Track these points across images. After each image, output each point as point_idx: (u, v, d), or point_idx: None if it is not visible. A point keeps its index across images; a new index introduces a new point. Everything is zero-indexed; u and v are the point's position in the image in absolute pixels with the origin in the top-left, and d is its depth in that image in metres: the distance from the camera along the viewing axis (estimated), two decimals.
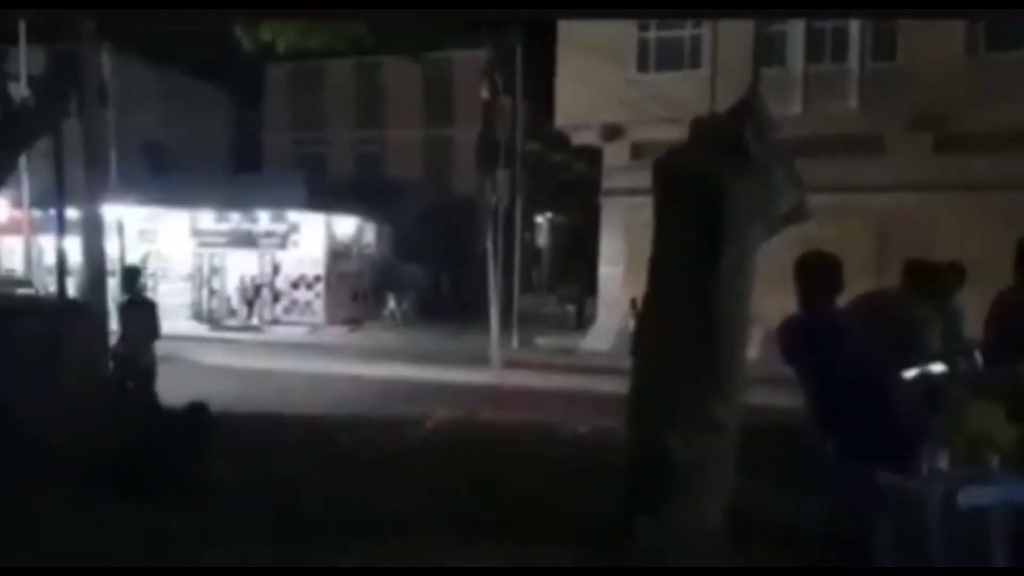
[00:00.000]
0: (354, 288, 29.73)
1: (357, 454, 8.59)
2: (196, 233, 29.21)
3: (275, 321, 28.05)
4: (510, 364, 20.57)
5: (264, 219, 28.37)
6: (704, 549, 4.42)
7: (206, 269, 29.34)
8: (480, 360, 20.69)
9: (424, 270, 32.77)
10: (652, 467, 4.28)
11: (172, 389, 9.85)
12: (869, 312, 5.66)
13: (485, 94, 26.77)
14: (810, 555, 4.70)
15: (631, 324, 21.38)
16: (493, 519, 6.05)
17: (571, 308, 28.95)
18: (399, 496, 6.78)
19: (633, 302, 21.94)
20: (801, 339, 4.53)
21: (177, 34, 28.28)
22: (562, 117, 25.80)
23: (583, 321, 27.22)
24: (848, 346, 4.44)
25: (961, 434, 4.26)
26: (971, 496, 3.98)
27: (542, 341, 24.99)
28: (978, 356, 5.89)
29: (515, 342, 24.15)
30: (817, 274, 4.61)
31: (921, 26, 21.54)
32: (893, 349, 5.52)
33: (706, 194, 4.12)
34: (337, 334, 26.57)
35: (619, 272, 23.46)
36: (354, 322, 28.36)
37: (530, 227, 38.29)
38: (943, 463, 4.09)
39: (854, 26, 22.78)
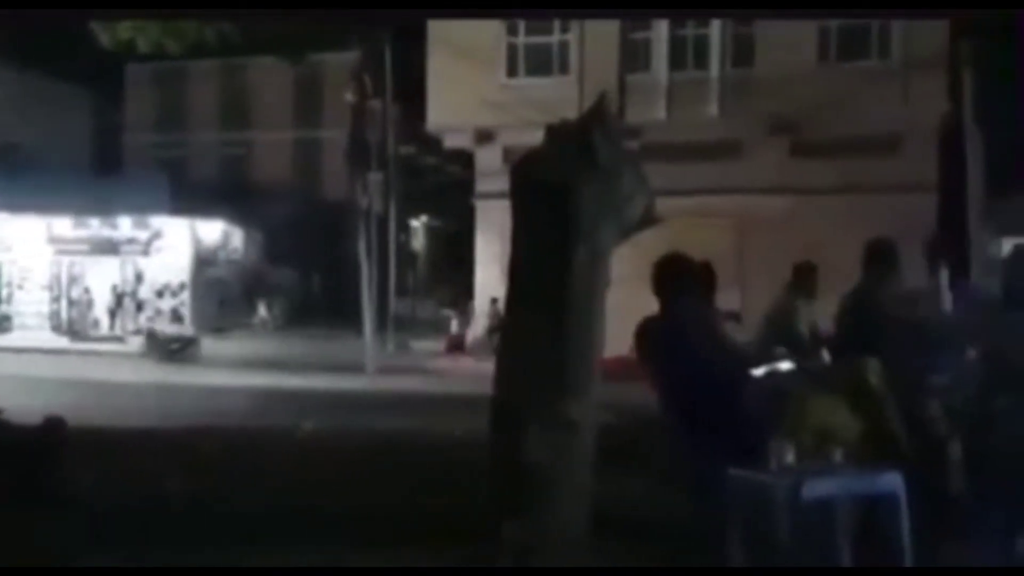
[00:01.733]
0: (222, 295, 28.97)
1: (223, 466, 8.39)
2: (53, 240, 27.94)
3: (139, 331, 27.07)
4: (385, 370, 20.47)
5: (126, 225, 27.35)
6: (569, 549, 4.50)
7: (65, 278, 28.08)
8: (354, 367, 20.52)
9: (295, 275, 32.27)
10: (511, 469, 4.34)
11: (29, 404, 9.40)
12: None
13: (350, 98, 26.52)
14: (670, 551, 4.84)
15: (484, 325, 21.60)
16: (366, 527, 6.02)
17: (448, 312, 28.98)
18: (268, 508, 6.66)
19: (494, 301, 22.20)
20: (654, 339, 4.68)
21: (34, 32, 27.05)
22: (434, 120, 25.82)
23: (465, 324, 27.25)
24: (698, 346, 4.60)
25: (806, 428, 4.46)
26: (815, 488, 4.17)
27: (417, 345, 24.95)
28: (825, 353, 6.19)
29: (390, 347, 24.04)
30: (672, 276, 4.76)
31: (777, 34, 22.45)
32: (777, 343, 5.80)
33: (556, 197, 4.22)
34: (205, 343, 25.84)
35: (495, 275, 23.61)
36: (222, 330, 27.63)
37: (405, 230, 38.12)
38: (790, 457, 4.27)
39: (715, 33, 23.56)
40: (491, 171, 23.98)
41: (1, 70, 32.22)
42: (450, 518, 5.67)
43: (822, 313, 7.23)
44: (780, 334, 7.09)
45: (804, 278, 7.63)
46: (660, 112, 23.44)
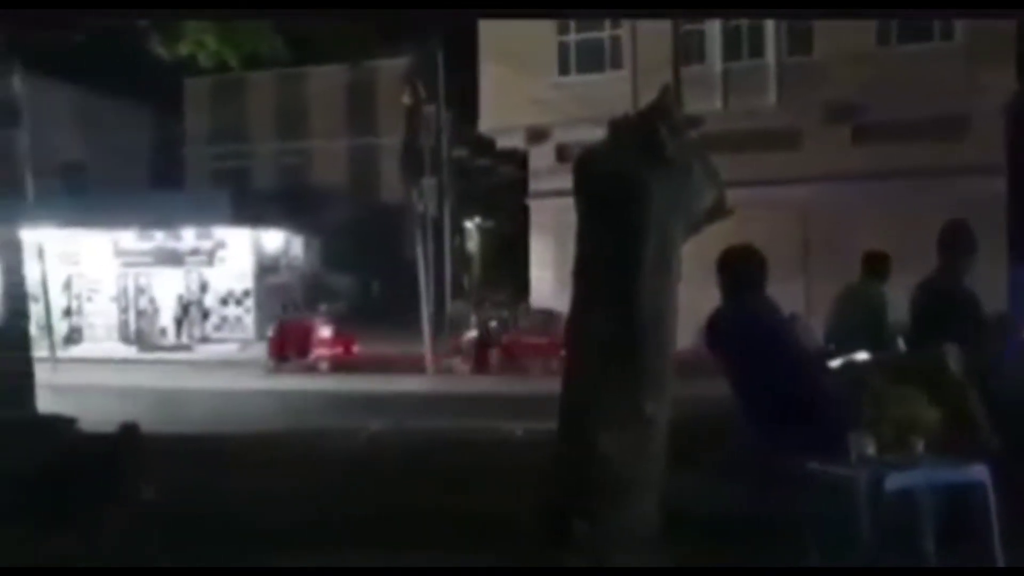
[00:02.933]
0: (284, 301, 29.36)
1: (293, 469, 8.47)
2: (120, 253, 28.58)
3: (205, 339, 27.56)
4: (443, 370, 20.54)
5: (189, 236, 27.88)
6: (642, 546, 4.44)
7: (132, 289, 28.73)
8: (414, 368, 20.62)
9: (354, 280, 32.55)
10: (583, 466, 4.29)
11: (101, 413, 9.59)
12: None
13: (407, 101, 26.66)
14: (744, 547, 4.75)
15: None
16: (430, 529, 6.02)
17: (504, 313, 28.95)
18: (338, 508, 6.70)
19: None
20: (726, 332, 4.60)
21: (93, 51, 27.66)
22: (486, 122, 25.87)
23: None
24: (772, 338, 4.51)
25: (887, 419, 4.34)
26: (898, 480, 4.06)
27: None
28: (901, 342, 6.04)
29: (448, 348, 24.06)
30: (739, 268, 4.68)
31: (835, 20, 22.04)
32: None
33: (626, 193, 4.15)
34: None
35: (550, 275, 23.55)
36: None
37: (459, 233, 38.24)
38: (871, 449, 4.17)
39: (770, 22, 23.24)
40: (544, 170, 23.96)
41: (64, 91, 32.99)
42: (516, 518, 5.64)
43: (893, 301, 7.08)
44: (853, 321, 6.95)
45: (875, 265, 7.47)
46: (716, 103, 23.19)
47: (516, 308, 28.09)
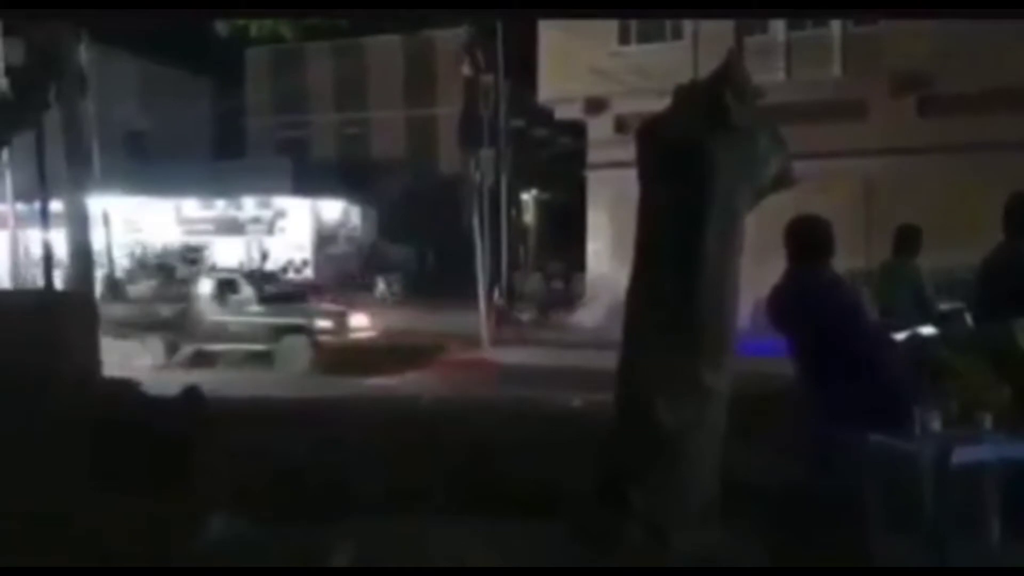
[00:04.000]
0: (342, 270, 29.70)
1: (354, 434, 8.58)
2: (182, 221, 29.09)
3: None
4: (499, 342, 20.60)
5: (249, 205, 28.27)
6: (699, 517, 4.43)
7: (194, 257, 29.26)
8: (471, 339, 20.71)
9: (411, 251, 32.73)
10: (642, 437, 4.28)
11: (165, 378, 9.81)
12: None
13: (466, 72, 26.62)
14: (805, 521, 4.71)
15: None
16: (488, 494, 6.06)
17: (559, 285, 28.95)
18: (394, 474, 6.77)
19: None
20: (791, 304, 4.54)
21: (154, 22, 28.03)
22: (545, 92, 25.71)
23: (571, 297, 27.21)
24: (838, 310, 4.45)
25: (953, 394, 4.28)
26: (964, 455, 3.99)
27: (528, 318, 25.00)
28: (968, 316, 5.91)
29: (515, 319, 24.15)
30: (806, 238, 4.61)
31: None
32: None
33: (690, 160, 4.11)
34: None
35: (606, 247, 23.43)
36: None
37: (516, 204, 38.17)
38: (936, 424, 4.10)
39: None
40: (603, 141, 23.76)
41: (128, 63, 33.50)
42: (572, 488, 5.65)
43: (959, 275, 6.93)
44: (893, 297, 6.81)
45: (908, 239, 7.33)
46: (779, 73, 22.76)
47: (572, 280, 28.09)
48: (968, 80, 21.15)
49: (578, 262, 26.90)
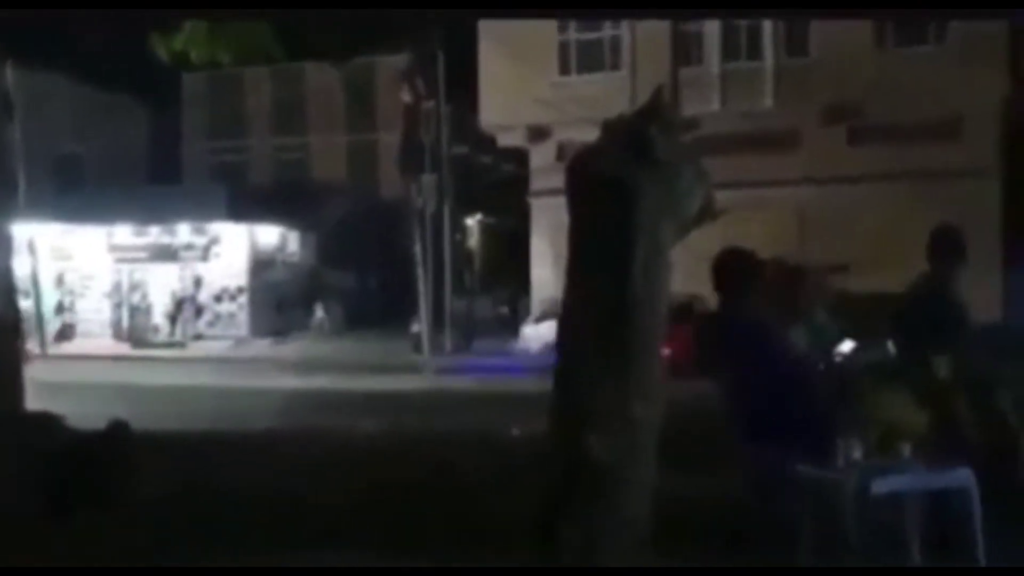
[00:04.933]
0: (280, 299, 29.31)
1: (286, 468, 8.47)
2: (114, 248, 28.53)
3: (199, 336, 27.51)
4: (443, 370, 20.52)
5: (184, 231, 27.82)
6: (630, 550, 4.44)
7: (125, 285, 28.67)
8: (412, 367, 20.61)
9: (352, 277, 32.50)
10: (572, 468, 4.29)
11: (93, 410, 9.59)
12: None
13: (407, 98, 26.64)
14: (734, 549, 4.76)
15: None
16: (426, 527, 6.02)
17: (504, 310, 28.98)
18: (330, 508, 6.70)
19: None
20: (717, 335, 4.61)
21: (89, 44, 27.60)
22: (487, 119, 25.89)
23: (517, 322, 27.23)
24: (764, 343, 4.52)
25: (874, 423, 4.36)
26: (884, 484, 4.07)
27: (475, 344, 24.98)
28: (891, 346, 6.03)
29: (448, 346, 24.10)
30: (733, 271, 4.68)
31: (832, 21, 22.08)
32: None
33: (617, 194, 4.17)
34: (263, 347, 26.19)
35: (551, 272, 23.54)
36: (280, 334, 27.95)
37: (460, 230, 38.18)
38: (858, 453, 4.18)
39: (768, 23, 23.27)
40: (546, 168, 23.96)
41: (59, 83, 32.91)
42: (508, 519, 5.64)
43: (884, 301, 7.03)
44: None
45: (813, 287, 6.99)
46: (714, 104, 23.21)
47: (517, 305, 28.11)
48: (896, 110, 21.78)
49: (523, 287, 26.98)
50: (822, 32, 22.62)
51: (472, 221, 42.33)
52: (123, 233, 28.23)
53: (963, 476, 4.17)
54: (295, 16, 11.45)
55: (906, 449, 4.23)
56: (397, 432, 11.21)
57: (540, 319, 22.32)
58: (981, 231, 15.63)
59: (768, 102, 23.21)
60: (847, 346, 5.51)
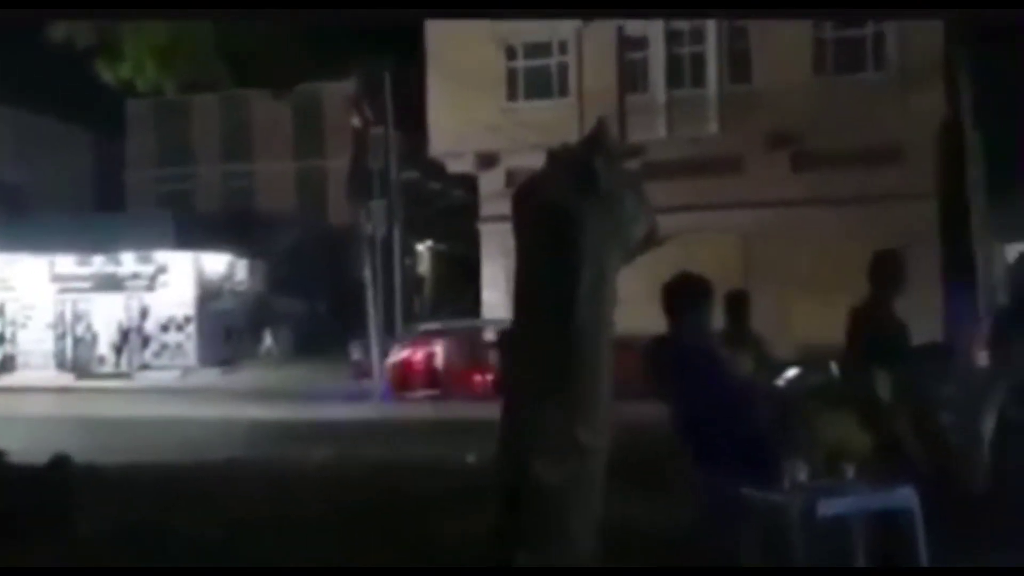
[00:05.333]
0: (228, 327, 28.95)
1: (235, 499, 8.36)
2: (57, 278, 28.02)
3: (145, 366, 27.06)
4: (394, 396, 20.40)
5: (129, 261, 27.42)
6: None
7: (69, 316, 28.15)
8: (364, 393, 20.46)
9: (301, 305, 32.23)
10: (522, 497, 4.30)
11: (35, 444, 9.39)
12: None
13: (356, 124, 26.63)
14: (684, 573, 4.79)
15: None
16: (379, 555, 5.98)
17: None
18: (281, 539, 6.62)
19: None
20: (665, 359, 4.66)
21: (32, 70, 27.22)
22: (436, 146, 25.92)
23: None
24: (709, 367, 4.58)
25: (819, 445, 4.43)
26: (829, 506, 4.13)
27: None
28: (834, 368, 6.14)
29: None
30: (683, 296, 4.74)
31: (773, 48, 22.56)
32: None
33: (561, 224, 4.22)
34: (211, 376, 25.84)
35: (502, 297, 23.57)
36: (229, 363, 27.60)
37: (410, 255, 38.11)
38: (803, 475, 4.24)
39: (711, 50, 23.66)
40: (495, 194, 24.01)
41: (2, 111, 32.38)
42: (460, 546, 5.63)
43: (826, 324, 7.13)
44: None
45: (737, 307, 6.75)
46: (660, 130, 23.50)
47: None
48: (837, 136, 22.23)
49: (474, 313, 26.93)
50: (764, 60, 23.08)
51: (422, 247, 42.32)
52: (66, 263, 27.75)
53: (906, 495, 4.25)
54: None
55: (850, 470, 4.31)
56: (348, 460, 11.12)
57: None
58: (920, 253, 15.98)
59: (713, 128, 23.57)
60: (791, 372, 5.59)
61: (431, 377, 20.42)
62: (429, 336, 21.62)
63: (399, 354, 21.05)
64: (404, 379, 20.47)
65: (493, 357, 19.26)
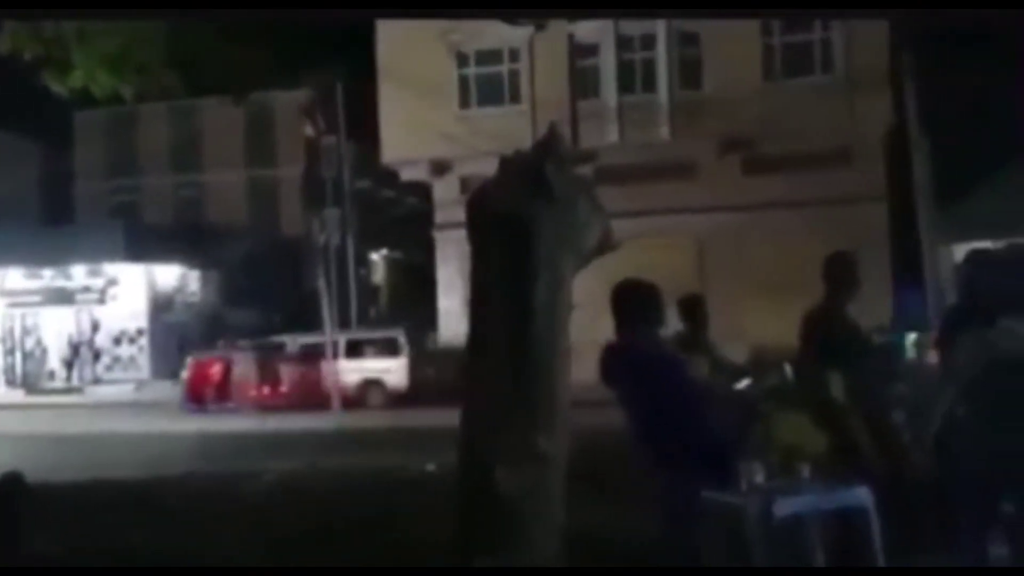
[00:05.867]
0: (181, 339, 28.56)
1: (193, 514, 8.24)
2: (5, 292, 27.49)
3: (97, 380, 26.63)
4: (351, 405, 20.27)
5: (79, 274, 26.98)
6: None
7: (18, 330, 27.61)
8: (320, 405, 20.31)
9: (255, 315, 31.91)
10: (482, 504, 4.29)
11: None
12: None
13: (309, 132, 26.49)
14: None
15: None
16: (341, 567, 5.94)
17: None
18: (240, 553, 6.54)
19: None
20: (618, 365, 4.67)
21: None
22: (388, 154, 25.84)
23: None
24: (662, 371, 4.60)
25: (774, 446, 4.47)
26: (786, 507, 4.17)
27: None
28: (789, 370, 6.21)
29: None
30: (632, 301, 4.75)
31: (723, 54, 22.80)
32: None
33: (515, 230, 4.22)
34: (165, 389, 25.46)
35: (457, 305, 23.52)
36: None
37: (365, 264, 37.92)
38: (760, 477, 4.28)
39: (661, 57, 23.86)
40: (449, 202, 24.01)
41: None
42: (423, 554, 5.60)
43: (780, 326, 7.20)
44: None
45: (690, 309, 6.66)
46: (612, 135, 23.64)
47: (424, 338, 27.92)
48: (787, 140, 22.52)
49: (430, 320, 26.87)
50: (715, 65, 23.32)
51: (377, 256, 42.14)
52: (15, 277, 27.22)
53: (861, 495, 4.30)
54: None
55: (805, 470, 4.35)
56: (307, 472, 11.03)
57: None
58: (871, 254, 16.26)
59: (664, 133, 23.75)
60: (745, 375, 5.64)
61: (224, 390, 21.24)
62: (230, 350, 22.50)
63: (193, 368, 21.57)
64: (198, 391, 21.30)
65: (284, 371, 21.20)
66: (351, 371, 21.23)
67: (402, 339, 22.04)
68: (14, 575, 4.80)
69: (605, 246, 4.49)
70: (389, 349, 21.87)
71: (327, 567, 4.97)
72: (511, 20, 22.39)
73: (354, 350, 21.86)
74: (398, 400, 21.02)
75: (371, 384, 21.40)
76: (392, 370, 21.42)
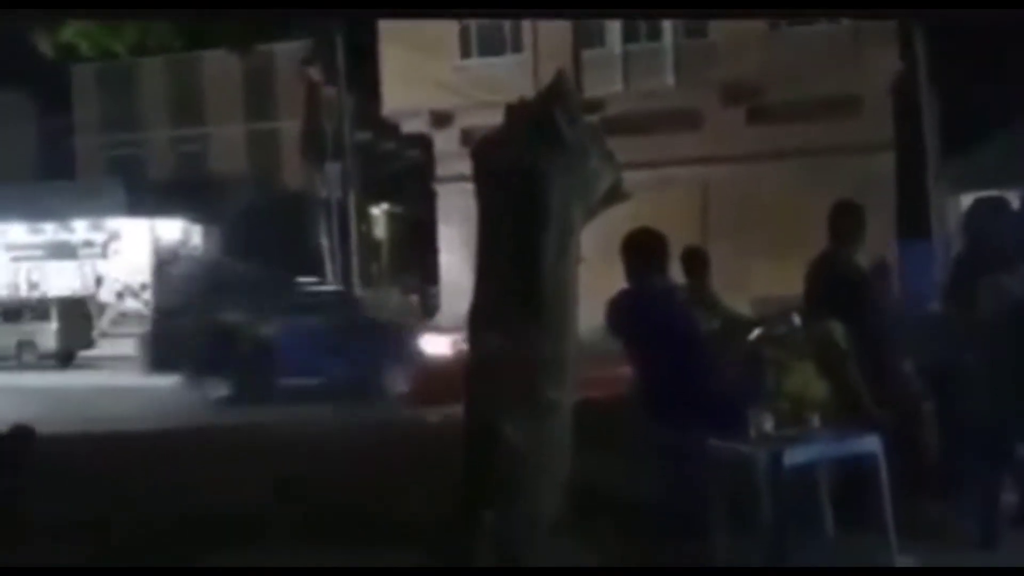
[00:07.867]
0: (184, 293, 28.55)
1: (202, 466, 8.28)
2: (8, 247, 27.49)
3: (101, 334, 26.66)
4: None
5: (81, 228, 26.95)
6: (550, 533, 4.45)
7: (22, 284, 27.66)
8: None
9: (258, 269, 31.85)
10: (490, 455, 4.28)
11: None
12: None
13: (309, 81, 26.23)
14: (653, 528, 4.81)
15: None
16: (342, 519, 5.95)
17: (414, 298, 28.76)
18: (247, 504, 6.57)
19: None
20: (628, 314, 4.64)
21: None
22: (389, 105, 25.61)
23: (428, 310, 27.08)
24: (672, 320, 4.57)
25: (783, 395, 4.45)
26: (796, 455, 4.16)
27: None
28: (797, 319, 6.16)
29: None
30: (642, 250, 4.71)
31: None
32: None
33: (524, 179, 4.14)
34: None
35: (460, 259, 23.45)
36: None
37: (366, 218, 37.74)
38: (769, 426, 4.26)
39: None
40: (450, 154, 23.83)
41: None
42: (429, 508, 5.60)
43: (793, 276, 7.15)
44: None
45: (693, 262, 6.52)
46: (617, 85, 23.38)
47: (427, 292, 27.94)
48: (793, 89, 22.26)
49: (432, 275, 26.83)
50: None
51: (378, 210, 41.92)
52: (18, 231, 27.22)
53: (871, 443, 4.29)
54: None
55: (814, 419, 4.34)
56: (311, 424, 11.07)
57: None
58: (878, 205, 16.10)
59: (669, 82, 23.49)
60: (754, 325, 5.59)
61: None
62: None
63: None
64: None
65: None
66: None
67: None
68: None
69: (616, 196, 4.42)
70: None
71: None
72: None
73: None
74: None
75: None
76: None
